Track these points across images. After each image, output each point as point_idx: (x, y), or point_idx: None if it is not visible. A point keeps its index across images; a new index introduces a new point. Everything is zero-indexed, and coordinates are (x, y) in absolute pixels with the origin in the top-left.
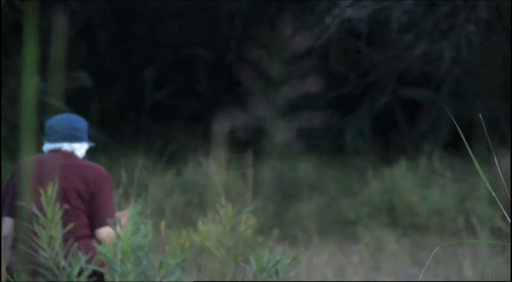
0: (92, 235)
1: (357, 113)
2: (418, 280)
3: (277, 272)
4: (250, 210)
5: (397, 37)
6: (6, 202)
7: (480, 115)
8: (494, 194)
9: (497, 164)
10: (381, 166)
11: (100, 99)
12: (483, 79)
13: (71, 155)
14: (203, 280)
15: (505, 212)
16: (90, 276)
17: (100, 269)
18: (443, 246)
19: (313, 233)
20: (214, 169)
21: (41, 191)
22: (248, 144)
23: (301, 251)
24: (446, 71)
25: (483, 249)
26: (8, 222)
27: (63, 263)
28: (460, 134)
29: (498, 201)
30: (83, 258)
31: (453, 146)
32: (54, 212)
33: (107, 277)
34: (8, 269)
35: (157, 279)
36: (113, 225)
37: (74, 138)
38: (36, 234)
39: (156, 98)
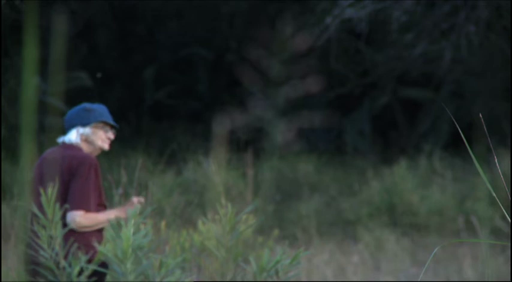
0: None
1: (357, 113)
2: (418, 280)
3: (277, 272)
4: (250, 210)
5: (397, 37)
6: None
7: (480, 115)
8: (494, 194)
9: (497, 164)
10: (381, 166)
11: (100, 99)
12: (483, 79)
13: (66, 146)
14: (203, 280)
15: (505, 212)
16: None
17: (98, 269)
18: (443, 246)
19: (313, 233)
20: (214, 169)
21: (38, 187)
22: (248, 144)
23: (301, 251)
24: (446, 71)
25: (483, 249)
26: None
27: (63, 263)
28: (460, 134)
29: (498, 201)
30: (83, 258)
31: (453, 146)
32: (54, 212)
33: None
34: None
35: (158, 279)
36: (83, 210)
37: (66, 129)
38: (35, 233)
39: (156, 98)
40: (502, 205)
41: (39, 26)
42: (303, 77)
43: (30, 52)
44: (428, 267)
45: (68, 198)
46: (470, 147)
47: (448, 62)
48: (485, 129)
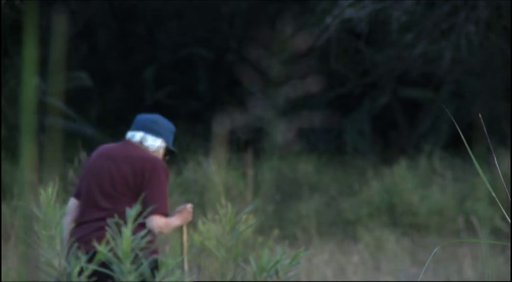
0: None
1: (357, 113)
2: (418, 280)
3: (277, 272)
4: (250, 210)
5: (397, 37)
6: (77, 185)
7: (480, 115)
8: (494, 194)
9: (497, 164)
10: (381, 166)
11: (100, 99)
12: (483, 79)
13: (135, 145)
14: (203, 280)
15: (505, 212)
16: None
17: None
18: (443, 246)
19: (313, 233)
20: (214, 169)
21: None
22: (248, 144)
23: (301, 251)
24: (446, 71)
25: (483, 249)
26: (71, 201)
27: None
28: (460, 134)
29: (498, 201)
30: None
31: (453, 146)
32: (54, 211)
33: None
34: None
35: (158, 279)
36: (164, 216)
37: (148, 129)
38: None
39: (156, 98)
40: (502, 205)
41: (39, 26)
42: (303, 77)
43: (30, 52)
44: (428, 267)
45: (147, 201)
46: (470, 148)
47: (448, 62)
48: (485, 129)
